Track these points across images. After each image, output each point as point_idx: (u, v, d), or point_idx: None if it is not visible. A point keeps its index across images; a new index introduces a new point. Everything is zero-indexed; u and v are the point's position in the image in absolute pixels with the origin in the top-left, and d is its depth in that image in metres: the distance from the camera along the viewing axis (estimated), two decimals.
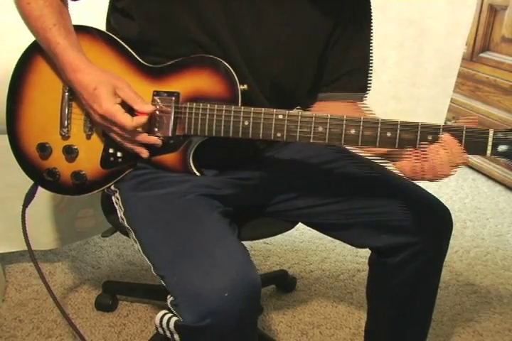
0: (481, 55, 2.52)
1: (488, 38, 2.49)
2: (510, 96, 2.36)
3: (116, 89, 0.96)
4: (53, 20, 0.99)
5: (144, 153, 1.00)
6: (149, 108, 0.96)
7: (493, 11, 2.45)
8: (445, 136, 0.87)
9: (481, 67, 2.51)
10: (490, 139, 0.86)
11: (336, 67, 1.09)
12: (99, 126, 1.00)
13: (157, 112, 0.99)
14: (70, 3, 1.07)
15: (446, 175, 0.87)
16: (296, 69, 1.05)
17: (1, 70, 1.14)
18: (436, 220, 1.07)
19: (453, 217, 1.10)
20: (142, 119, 0.95)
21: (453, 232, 1.11)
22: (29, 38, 1.05)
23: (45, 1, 1.00)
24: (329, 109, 1.10)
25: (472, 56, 2.54)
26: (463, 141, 0.87)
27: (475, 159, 2.61)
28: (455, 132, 0.87)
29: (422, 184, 1.11)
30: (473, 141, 0.87)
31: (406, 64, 2.13)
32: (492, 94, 2.46)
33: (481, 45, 2.51)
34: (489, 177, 2.55)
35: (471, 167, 2.64)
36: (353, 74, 1.11)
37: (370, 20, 1.11)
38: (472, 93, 2.56)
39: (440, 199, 1.10)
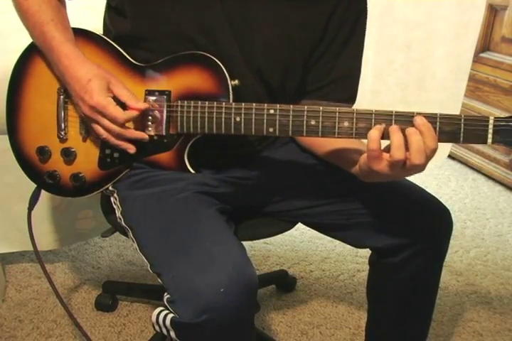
0: (481, 55, 2.52)
1: (488, 38, 2.49)
2: (510, 96, 2.36)
3: (110, 84, 0.97)
4: (51, 16, 1.00)
5: (131, 149, 0.99)
6: (143, 105, 0.97)
7: (493, 11, 2.45)
8: (419, 119, 0.84)
9: (481, 67, 2.51)
10: (490, 126, 0.84)
11: (324, 74, 1.08)
12: (87, 120, 0.99)
13: (149, 111, 0.99)
14: (67, 3, 1.07)
15: (422, 166, 0.84)
16: (283, 68, 1.05)
17: (1, 70, 1.14)
18: (436, 220, 1.07)
19: (453, 217, 1.10)
20: (134, 113, 0.95)
21: (453, 232, 1.10)
22: (29, 39, 1.05)
23: None
24: None
25: (472, 56, 2.54)
26: (462, 129, 0.85)
27: (475, 159, 2.61)
28: (430, 119, 0.85)
29: (422, 184, 1.11)
30: (474, 129, 0.84)
31: (414, 67, 2.11)
32: (492, 94, 2.46)
33: (481, 45, 2.51)
34: (489, 177, 2.55)
35: (471, 167, 2.64)
36: (339, 83, 1.09)
37: (364, 29, 1.08)
38: (472, 93, 2.56)
39: (440, 200, 1.10)
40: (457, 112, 2.20)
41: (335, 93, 1.09)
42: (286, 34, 1.02)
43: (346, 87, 1.10)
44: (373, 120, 0.87)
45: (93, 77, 0.96)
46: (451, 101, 2.19)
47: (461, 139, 0.86)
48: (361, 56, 1.10)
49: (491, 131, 0.84)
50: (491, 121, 0.84)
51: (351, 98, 1.11)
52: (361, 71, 1.11)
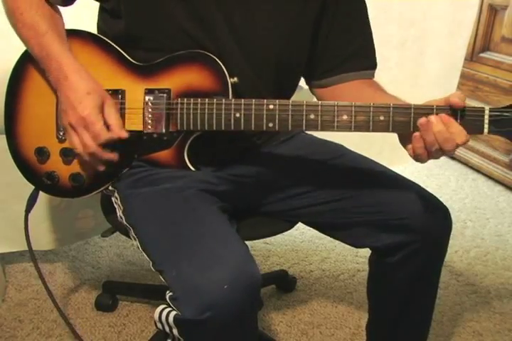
0: (481, 55, 2.52)
1: (488, 37, 2.49)
2: (510, 96, 2.35)
3: (105, 103, 0.98)
4: (45, 27, 1.00)
5: (101, 167, 1.01)
6: (124, 134, 0.98)
7: (493, 11, 2.45)
8: (442, 116, 0.86)
9: (481, 67, 2.51)
10: (486, 117, 0.86)
11: (341, 48, 1.10)
12: (67, 129, 0.99)
13: (149, 109, 1.00)
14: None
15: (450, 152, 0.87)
16: (280, 61, 1.05)
17: (1, 70, 1.14)
18: (436, 219, 1.07)
19: (453, 217, 1.10)
20: (115, 137, 0.97)
21: (453, 232, 1.11)
22: None
23: (37, 10, 1.01)
24: (345, 90, 1.11)
25: (472, 56, 2.54)
26: (458, 120, 0.86)
27: (475, 159, 2.61)
28: (450, 112, 0.86)
29: (422, 184, 1.11)
30: (469, 120, 0.86)
31: (408, 64, 2.12)
32: (492, 94, 2.46)
33: (481, 45, 2.51)
34: (489, 177, 2.55)
35: (471, 167, 2.64)
36: (360, 53, 1.11)
37: None
38: (472, 93, 2.56)
39: (440, 199, 1.10)
40: None
41: (359, 63, 1.11)
42: (285, 27, 1.02)
43: (367, 55, 1.13)
44: (371, 113, 0.89)
45: (93, 91, 0.97)
46: None
47: None
48: (369, 22, 1.11)
49: (486, 121, 0.86)
50: (487, 112, 0.86)
51: (374, 64, 1.14)
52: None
